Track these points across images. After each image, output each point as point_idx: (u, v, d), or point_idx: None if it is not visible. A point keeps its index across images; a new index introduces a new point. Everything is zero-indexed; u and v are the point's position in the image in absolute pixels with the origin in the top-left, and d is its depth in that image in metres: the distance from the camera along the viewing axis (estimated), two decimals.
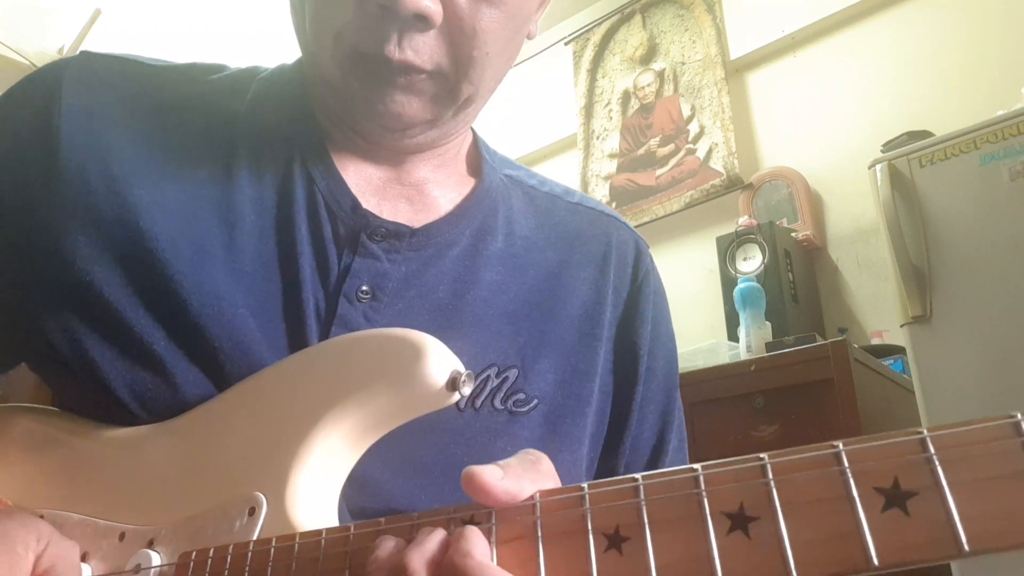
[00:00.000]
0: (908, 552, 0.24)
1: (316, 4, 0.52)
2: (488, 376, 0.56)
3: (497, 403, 0.56)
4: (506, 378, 0.57)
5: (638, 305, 0.66)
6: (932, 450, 0.25)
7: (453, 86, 0.54)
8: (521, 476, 0.36)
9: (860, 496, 0.25)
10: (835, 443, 0.26)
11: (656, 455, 0.64)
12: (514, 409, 0.56)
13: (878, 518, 0.25)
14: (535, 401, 0.57)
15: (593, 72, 3.03)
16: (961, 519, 0.23)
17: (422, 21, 0.49)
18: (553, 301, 0.61)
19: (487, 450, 0.54)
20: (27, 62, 2.27)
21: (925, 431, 0.25)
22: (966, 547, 0.22)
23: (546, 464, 0.40)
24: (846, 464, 0.26)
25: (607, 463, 0.62)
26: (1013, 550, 0.22)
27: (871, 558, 0.24)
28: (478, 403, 0.55)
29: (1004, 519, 0.23)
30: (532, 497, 0.34)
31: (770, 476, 0.27)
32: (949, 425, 0.24)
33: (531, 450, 0.41)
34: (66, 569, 0.45)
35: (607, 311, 0.64)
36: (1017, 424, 0.23)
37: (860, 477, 0.26)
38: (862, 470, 0.26)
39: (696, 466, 0.29)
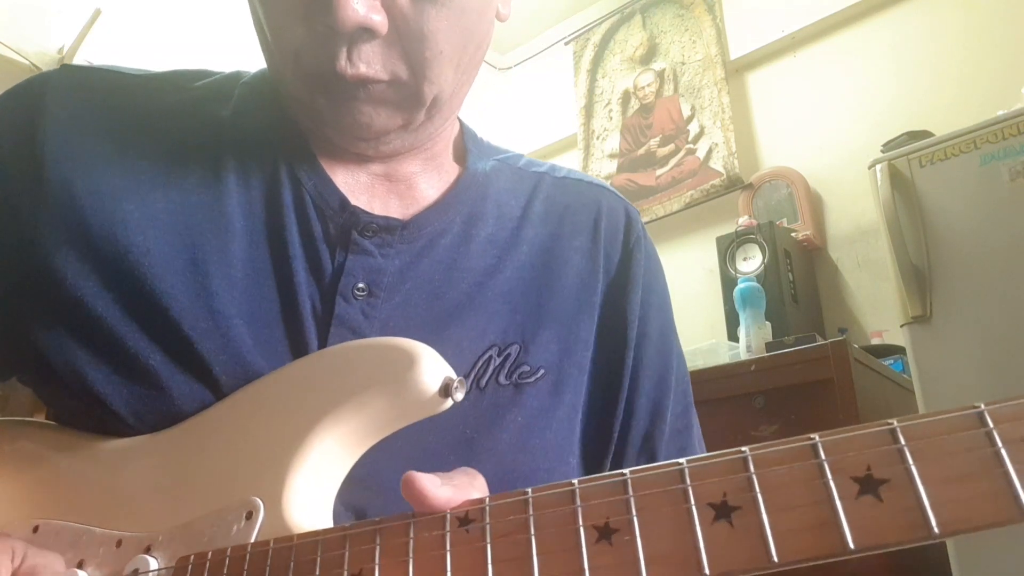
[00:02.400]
0: (882, 536, 0.25)
1: (273, 29, 0.52)
2: (490, 356, 0.56)
3: (502, 379, 0.56)
4: (508, 355, 0.57)
5: (629, 270, 0.65)
6: (902, 440, 0.26)
7: (415, 90, 0.54)
8: (459, 484, 0.38)
9: (836, 485, 0.26)
10: (812, 436, 0.27)
11: (654, 422, 0.63)
12: (519, 381, 0.56)
13: (853, 505, 0.26)
14: (541, 371, 0.57)
15: (593, 72, 3.04)
16: (930, 504, 0.25)
17: (367, 32, 0.49)
18: (548, 274, 0.62)
19: (497, 423, 0.55)
20: (27, 62, 2.28)
21: (895, 422, 0.26)
22: (936, 529, 0.24)
23: (480, 481, 0.42)
24: (823, 455, 0.27)
25: (602, 429, 0.62)
26: (980, 530, 0.23)
27: (847, 542, 0.25)
28: (483, 383, 0.55)
29: (970, 502, 0.24)
30: (525, 493, 0.35)
31: (751, 468, 0.28)
32: (918, 416, 0.25)
33: (468, 468, 0.43)
34: (51, 571, 0.45)
35: (600, 278, 0.64)
36: (981, 414, 0.24)
37: (835, 467, 0.27)
38: (837, 460, 0.27)
39: (681, 460, 0.30)
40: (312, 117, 0.56)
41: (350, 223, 0.56)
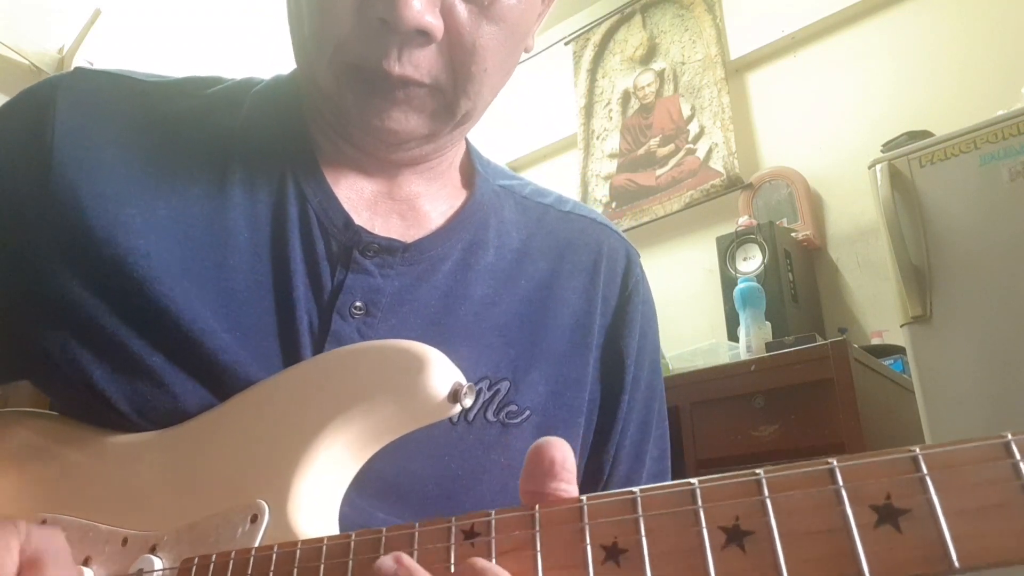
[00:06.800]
0: (900, 568, 0.24)
1: (315, 16, 0.52)
2: (480, 389, 0.56)
3: (490, 415, 0.56)
4: (498, 390, 0.57)
5: (626, 314, 0.66)
6: (924, 469, 0.25)
7: (451, 101, 0.54)
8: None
9: (853, 512, 0.26)
10: (829, 460, 0.27)
11: (634, 466, 0.64)
12: (507, 421, 0.57)
13: (871, 534, 0.25)
14: (527, 412, 0.58)
15: (593, 72, 3.04)
16: (952, 537, 0.24)
17: (423, 36, 0.49)
18: (544, 312, 0.62)
19: (481, 463, 0.55)
20: (27, 62, 2.28)
21: (917, 449, 0.25)
22: (956, 564, 0.23)
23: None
24: (840, 481, 0.26)
25: (592, 469, 0.63)
26: (1003, 567, 0.23)
27: (864, 573, 0.25)
28: (471, 416, 0.55)
29: (993, 537, 0.23)
30: (531, 508, 0.34)
31: (765, 492, 0.28)
32: (941, 444, 0.25)
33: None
34: (55, 554, 0.43)
35: (597, 320, 0.64)
36: (1007, 444, 0.23)
37: (854, 494, 0.26)
38: (856, 487, 0.26)
39: (693, 480, 0.30)
40: (336, 114, 0.56)
41: (352, 242, 0.56)
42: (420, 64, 0.51)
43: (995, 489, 0.23)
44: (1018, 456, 0.23)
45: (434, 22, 0.49)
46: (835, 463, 0.26)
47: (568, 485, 0.34)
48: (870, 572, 0.24)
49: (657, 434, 0.67)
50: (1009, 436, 0.23)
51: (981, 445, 0.24)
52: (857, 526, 0.25)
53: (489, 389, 0.57)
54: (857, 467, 0.26)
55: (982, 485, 0.24)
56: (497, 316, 0.59)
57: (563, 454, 0.34)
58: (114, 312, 0.51)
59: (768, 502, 0.27)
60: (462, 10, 0.51)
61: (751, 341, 1.93)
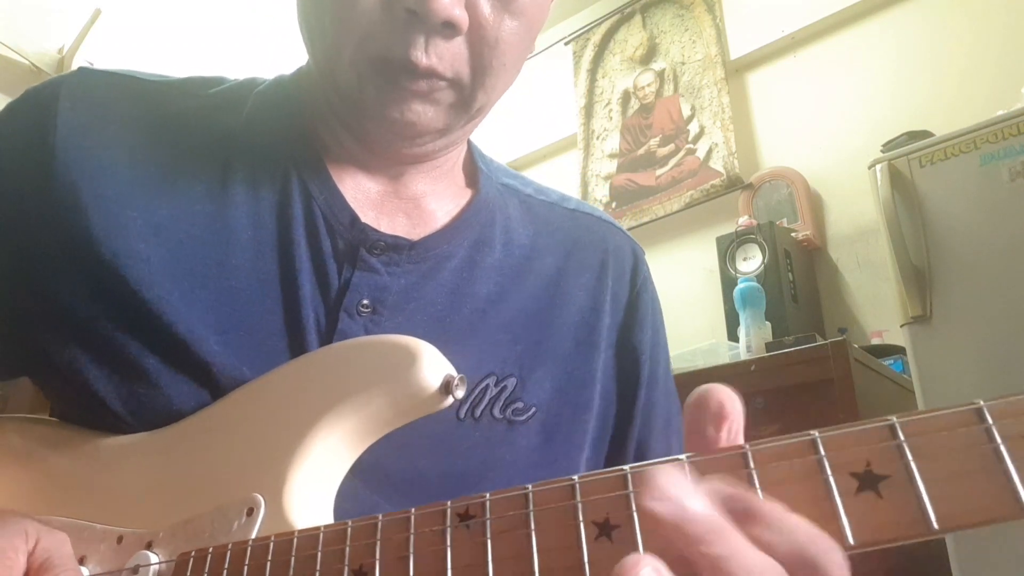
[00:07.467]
0: (882, 531, 0.25)
1: (338, 8, 0.52)
2: (487, 385, 0.56)
3: (496, 412, 0.56)
4: (504, 387, 0.57)
5: (637, 311, 0.66)
6: (902, 436, 0.26)
7: (469, 95, 0.54)
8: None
9: (835, 480, 0.27)
10: (811, 432, 0.28)
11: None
12: (512, 418, 0.57)
13: (853, 500, 0.26)
14: (533, 409, 0.58)
15: (593, 72, 3.04)
16: (930, 499, 0.25)
17: (450, 28, 0.50)
18: (551, 309, 0.62)
19: (487, 460, 0.55)
20: (27, 62, 2.29)
21: (894, 418, 0.26)
22: (935, 525, 0.24)
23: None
24: (822, 451, 0.27)
25: (612, 464, 0.63)
26: (979, 527, 0.23)
27: (847, 537, 0.26)
28: (477, 413, 0.56)
29: (970, 498, 0.24)
30: (525, 488, 0.35)
31: (751, 464, 0.29)
32: (917, 412, 0.26)
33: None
34: (61, 559, 0.45)
35: (605, 318, 0.64)
36: (980, 410, 0.24)
37: (835, 463, 0.27)
38: (837, 456, 0.27)
39: (682, 456, 0.30)
40: (352, 109, 0.56)
41: (359, 240, 0.56)
42: (444, 56, 0.51)
43: (970, 453, 0.24)
44: (990, 420, 0.24)
45: (461, 15, 0.50)
46: (816, 434, 0.27)
47: (738, 431, 0.31)
48: (853, 537, 0.25)
49: (678, 428, 0.67)
50: (981, 402, 0.24)
51: (955, 412, 0.25)
52: (839, 493, 0.26)
53: (496, 385, 0.57)
54: (838, 437, 0.27)
55: (957, 450, 0.24)
56: (503, 313, 0.59)
57: (731, 397, 0.32)
58: (111, 314, 0.51)
59: (754, 474, 0.28)
60: (485, 4, 0.52)
61: (751, 341, 1.93)
